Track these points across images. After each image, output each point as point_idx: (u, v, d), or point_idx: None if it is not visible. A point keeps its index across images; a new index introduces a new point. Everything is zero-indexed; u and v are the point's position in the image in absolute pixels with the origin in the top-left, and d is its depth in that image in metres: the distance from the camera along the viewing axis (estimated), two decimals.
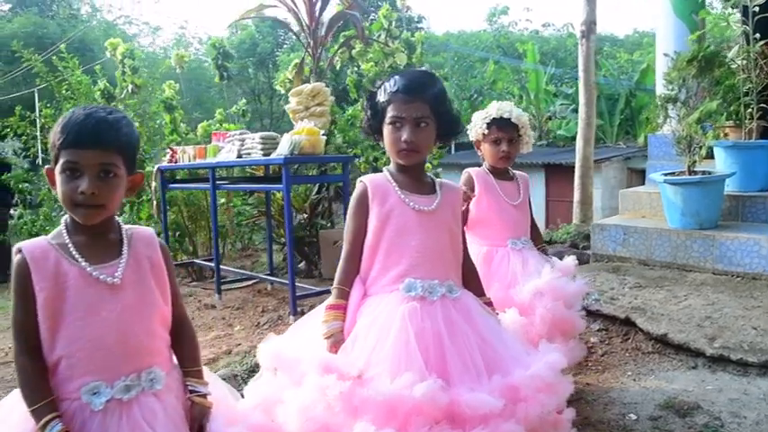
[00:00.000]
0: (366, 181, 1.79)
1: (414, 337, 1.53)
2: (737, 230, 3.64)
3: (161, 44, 28.30)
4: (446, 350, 1.57)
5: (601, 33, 24.52)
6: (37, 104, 10.25)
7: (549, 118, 18.89)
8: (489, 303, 1.91)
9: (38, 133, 9.19)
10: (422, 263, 1.71)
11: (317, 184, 5.48)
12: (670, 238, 3.76)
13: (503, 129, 2.48)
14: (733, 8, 4.37)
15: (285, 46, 23.32)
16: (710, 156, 4.13)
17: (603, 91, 17.51)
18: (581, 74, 8.38)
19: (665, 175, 3.84)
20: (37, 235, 7.24)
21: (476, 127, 2.53)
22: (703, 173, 3.78)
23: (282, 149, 3.73)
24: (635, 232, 3.93)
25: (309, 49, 5.51)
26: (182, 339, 1.51)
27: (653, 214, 4.24)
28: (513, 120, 2.48)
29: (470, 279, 1.91)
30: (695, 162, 3.74)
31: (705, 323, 2.94)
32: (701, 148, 3.69)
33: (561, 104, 18.86)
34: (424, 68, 1.99)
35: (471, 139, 2.59)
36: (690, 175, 3.75)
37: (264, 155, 3.94)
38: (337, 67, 6.38)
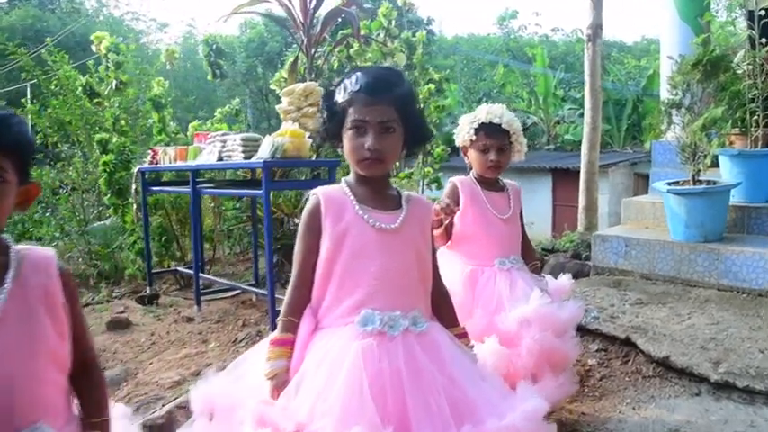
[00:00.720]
0: (319, 193, 1.57)
1: (367, 382, 1.32)
2: (743, 244, 3.45)
3: (168, 41, 28.23)
4: (407, 396, 1.35)
5: (609, 39, 24.39)
6: (29, 100, 10.08)
7: (558, 122, 18.74)
8: (463, 335, 1.70)
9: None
10: (382, 291, 1.50)
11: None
12: (673, 251, 3.58)
13: (492, 135, 2.27)
14: (740, 9, 4.19)
15: (294, 45, 23.23)
16: (716, 164, 3.96)
17: (611, 96, 17.37)
18: (587, 78, 8.19)
19: (669, 184, 3.66)
20: (27, 237, 7.13)
21: (462, 132, 2.32)
22: (708, 182, 3.60)
23: (263, 153, 3.56)
24: (637, 244, 3.74)
25: (304, 47, 5.35)
26: (86, 384, 1.27)
27: (656, 224, 4.06)
28: (503, 126, 2.27)
29: (442, 306, 1.70)
30: (700, 171, 3.56)
31: (709, 345, 2.76)
32: (705, 156, 3.51)
33: (569, 109, 18.72)
34: (388, 65, 1.76)
35: (457, 144, 2.40)
36: (694, 184, 3.57)
37: (245, 158, 3.75)
38: (334, 67, 6.22)
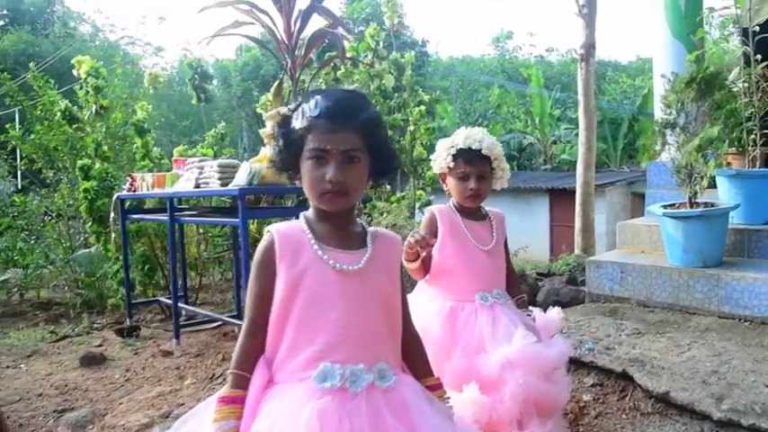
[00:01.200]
0: (273, 231, 1.41)
1: None
2: (744, 269, 3.28)
3: (163, 65, 28.29)
4: None
5: (604, 59, 24.46)
6: (17, 124, 10.00)
7: (554, 142, 18.71)
8: (437, 386, 1.53)
9: (17, 156, 8.90)
10: (343, 341, 1.33)
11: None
12: (671, 276, 3.41)
13: (471, 162, 2.11)
14: (734, 25, 4.08)
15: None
16: (713, 184, 3.82)
17: (607, 115, 17.40)
18: (581, 98, 8.11)
19: (665, 207, 3.51)
20: (13, 264, 6.93)
21: (439, 158, 2.17)
22: (705, 204, 3.45)
23: (240, 179, 3.42)
24: (633, 270, 3.58)
25: (288, 70, 5.22)
26: None
27: (653, 249, 3.90)
28: (483, 151, 2.10)
29: (414, 354, 1.53)
30: (696, 193, 3.40)
31: (711, 379, 2.58)
32: (702, 178, 3.36)
33: (566, 129, 18.72)
34: (352, 88, 1.60)
35: (435, 171, 2.25)
36: (691, 206, 3.42)
37: (222, 185, 3.61)
38: None
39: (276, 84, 5.51)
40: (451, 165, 2.14)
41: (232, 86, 23.58)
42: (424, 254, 2.08)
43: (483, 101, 21.68)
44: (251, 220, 4.91)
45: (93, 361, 4.06)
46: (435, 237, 2.16)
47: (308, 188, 1.39)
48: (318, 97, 1.38)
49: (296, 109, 1.41)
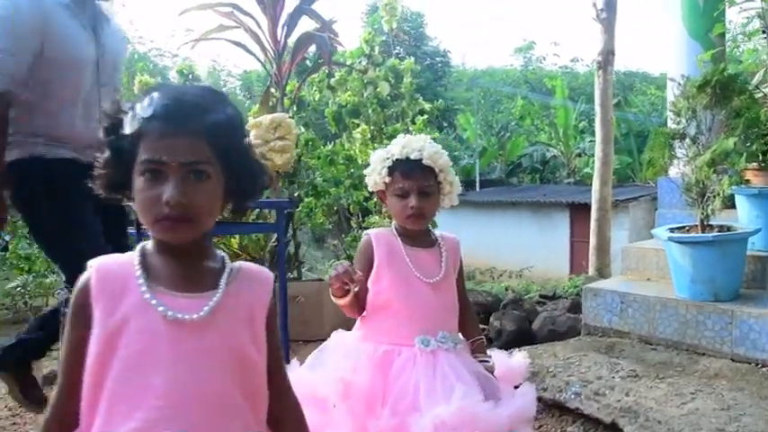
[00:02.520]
0: (93, 266, 1.05)
1: None
2: (764, 304, 2.82)
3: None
4: None
5: (632, 69, 23.72)
6: None
7: (578, 155, 18.17)
8: None
9: None
10: (171, 417, 0.98)
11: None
12: (677, 310, 2.97)
13: (410, 176, 1.73)
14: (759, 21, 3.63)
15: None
16: (733, 204, 3.37)
17: (633, 128, 16.82)
18: (597, 108, 7.63)
19: (672, 230, 3.08)
20: (20, 271, 6.83)
21: (373, 173, 1.79)
22: (721, 228, 3.00)
23: None
24: (634, 301, 3.14)
25: (274, 76, 4.90)
26: None
27: (660, 276, 3.44)
28: (424, 162, 1.72)
29: (285, 423, 1.16)
30: (709, 216, 2.96)
31: None
32: (716, 197, 2.91)
33: (590, 141, 18.12)
34: (205, 84, 1.25)
35: (370, 189, 1.86)
36: (703, 230, 2.98)
37: None
38: (315, 98, 5.76)
39: (264, 92, 5.21)
40: (387, 180, 1.76)
41: (254, 97, 23.60)
42: (355, 288, 1.69)
43: (505, 113, 21.21)
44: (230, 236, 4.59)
45: (55, 379, 3.79)
46: (370, 267, 1.78)
47: (141, 212, 1.03)
48: (155, 94, 1.02)
49: (129, 110, 1.04)
